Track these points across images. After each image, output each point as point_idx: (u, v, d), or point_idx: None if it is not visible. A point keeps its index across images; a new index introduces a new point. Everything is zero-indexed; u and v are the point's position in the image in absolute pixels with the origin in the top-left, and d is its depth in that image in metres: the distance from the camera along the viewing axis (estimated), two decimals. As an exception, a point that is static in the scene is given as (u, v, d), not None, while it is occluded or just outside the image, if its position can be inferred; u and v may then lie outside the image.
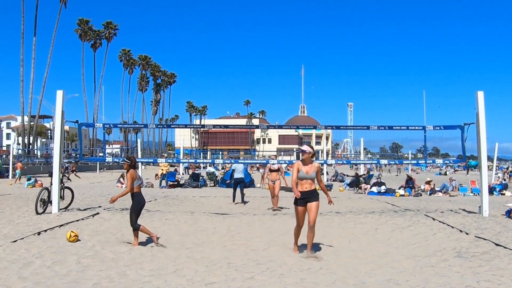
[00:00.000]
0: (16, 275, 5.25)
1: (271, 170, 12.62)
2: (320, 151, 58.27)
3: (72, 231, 7.42)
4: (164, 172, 22.66)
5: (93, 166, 45.04)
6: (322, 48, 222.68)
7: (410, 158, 52.20)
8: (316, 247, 7.36)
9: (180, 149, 39.31)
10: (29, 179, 21.87)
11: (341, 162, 31.20)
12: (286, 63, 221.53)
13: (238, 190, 13.98)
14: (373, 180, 20.97)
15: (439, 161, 16.47)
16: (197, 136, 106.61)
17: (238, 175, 13.95)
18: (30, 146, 51.49)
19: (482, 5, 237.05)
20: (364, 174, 23.04)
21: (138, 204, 7.35)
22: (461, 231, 8.63)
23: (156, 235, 7.50)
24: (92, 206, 12.34)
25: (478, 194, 15.74)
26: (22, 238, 7.43)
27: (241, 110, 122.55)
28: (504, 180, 23.91)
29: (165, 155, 45.27)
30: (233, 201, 13.84)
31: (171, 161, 16.89)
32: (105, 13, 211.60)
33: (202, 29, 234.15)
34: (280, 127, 26.47)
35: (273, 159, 14.60)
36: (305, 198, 6.79)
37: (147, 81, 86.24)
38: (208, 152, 70.64)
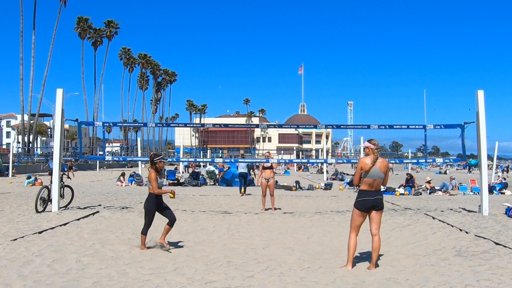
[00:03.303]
0: (16, 274, 5.25)
1: (264, 168, 12.13)
2: (320, 150, 58.22)
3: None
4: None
5: (93, 164, 45.06)
6: (322, 47, 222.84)
7: (410, 157, 52.08)
8: (317, 247, 7.35)
9: (180, 147, 39.30)
10: (28, 178, 21.86)
11: (341, 161, 31.14)
12: (286, 62, 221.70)
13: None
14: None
15: (439, 160, 16.45)
16: (197, 135, 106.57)
17: (241, 170, 16.84)
18: (30, 144, 51.49)
19: (482, 5, 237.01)
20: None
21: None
22: (461, 230, 8.63)
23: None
24: (92, 204, 12.34)
25: (478, 193, 15.73)
26: (22, 237, 7.43)
27: (241, 109, 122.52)
28: (504, 179, 23.87)
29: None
30: (240, 191, 16.50)
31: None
32: (105, 12, 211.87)
33: (202, 28, 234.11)
34: (280, 126, 26.39)
35: (267, 156, 14.45)
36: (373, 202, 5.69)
37: (147, 80, 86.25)
38: (208, 151, 70.59)
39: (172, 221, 6.92)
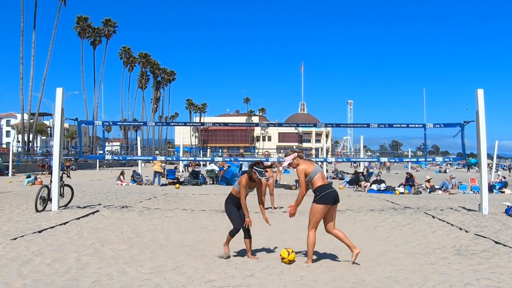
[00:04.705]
0: (16, 273, 5.25)
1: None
2: (320, 149, 58.17)
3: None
4: (161, 170, 22.10)
5: (93, 163, 45.09)
6: (322, 46, 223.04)
7: (410, 156, 52.06)
8: (317, 246, 7.34)
9: (180, 146, 39.31)
10: (28, 177, 21.88)
11: (341, 160, 31.18)
12: (285, 61, 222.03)
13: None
14: (373, 178, 20.98)
15: (439, 159, 16.43)
16: (196, 134, 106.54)
17: (245, 168, 16.84)
18: (30, 143, 51.47)
19: (482, 3, 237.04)
20: (362, 172, 23.04)
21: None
22: (460, 229, 8.63)
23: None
24: (91, 203, 12.33)
25: (478, 192, 15.74)
26: (22, 236, 7.43)
27: (241, 108, 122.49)
28: (504, 177, 23.89)
29: (157, 152, 45.09)
30: None
31: (151, 158, 18.42)
32: (104, 11, 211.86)
33: (202, 27, 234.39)
34: (280, 125, 26.41)
35: (266, 155, 14.48)
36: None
37: (147, 79, 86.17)
38: (208, 150, 70.62)
39: (246, 233, 6.47)
